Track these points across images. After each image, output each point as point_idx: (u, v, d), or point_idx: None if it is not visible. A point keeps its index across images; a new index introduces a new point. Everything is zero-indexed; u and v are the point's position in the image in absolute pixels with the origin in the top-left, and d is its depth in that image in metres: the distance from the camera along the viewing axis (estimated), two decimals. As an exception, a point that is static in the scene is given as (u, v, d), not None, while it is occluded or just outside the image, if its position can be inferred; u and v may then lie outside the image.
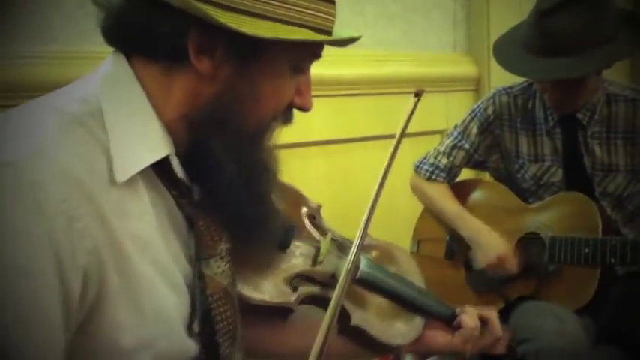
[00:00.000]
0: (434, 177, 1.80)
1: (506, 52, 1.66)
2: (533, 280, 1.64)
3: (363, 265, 1.06)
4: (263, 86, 0.81)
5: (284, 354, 1.08)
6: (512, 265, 1.64)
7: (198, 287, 0.83)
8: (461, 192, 1.81)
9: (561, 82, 1.57)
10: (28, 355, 0.68)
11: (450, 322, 1.14)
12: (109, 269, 0.72)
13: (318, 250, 1.02)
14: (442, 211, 1.76)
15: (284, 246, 0.98)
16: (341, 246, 1.07)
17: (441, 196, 1.78)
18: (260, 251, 0.93)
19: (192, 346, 0.81)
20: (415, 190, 1.86)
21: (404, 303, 1.11)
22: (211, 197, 0.84)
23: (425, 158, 1.85)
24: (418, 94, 1.04)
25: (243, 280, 0.93)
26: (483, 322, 1.14)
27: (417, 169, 1.85)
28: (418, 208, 1.88)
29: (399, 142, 0.99)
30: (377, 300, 1.09)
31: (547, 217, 1.67)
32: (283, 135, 0.91)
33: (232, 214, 0.84)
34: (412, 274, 1.17)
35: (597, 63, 1.53)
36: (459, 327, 1.12)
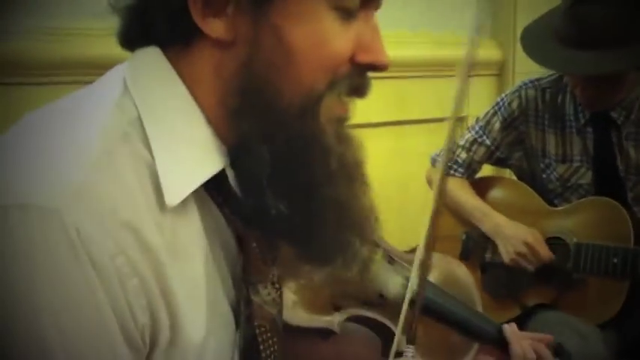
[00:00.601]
0: (451, 172, 1.73)
1: (535, 42, 1.57)
2: (554, 288, 1.60)
3: (428, 292, 0.98)
4: (297, 38, 0.64)
5: None
6: (546, 251, 1.56)
7: (244, 315, 0.72)
8: (480, 190, 1.76)
9: (595, 79, 1.48)
10: None
11: (502, 346, 1.06)
12: (162, 324, 0.62)
13: (367, 266, 0.94)
14: (460, 204, 1.70)
15: (327, 261, 0.89)
16: (393, 261, 1.01)
17: (460, 190, 1.71)
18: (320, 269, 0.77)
19: None
20: (431, 183, 1.78)
21: (463, 332, 1.04)
22: (256, 206, 0.68)
23: (442, 149, 1.74)
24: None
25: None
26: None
27: (434, 161, 1.78)
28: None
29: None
30: (431, 329, 1.02)
31: (573, 222, 1.62)
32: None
33: (282, 227, 0.69)
34: (471, 296, 1.12)
35: (636, 59, 1.43)
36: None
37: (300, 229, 0.70)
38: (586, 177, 1.63)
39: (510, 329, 1.06)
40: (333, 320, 0.97)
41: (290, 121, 0.66)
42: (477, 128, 1.74)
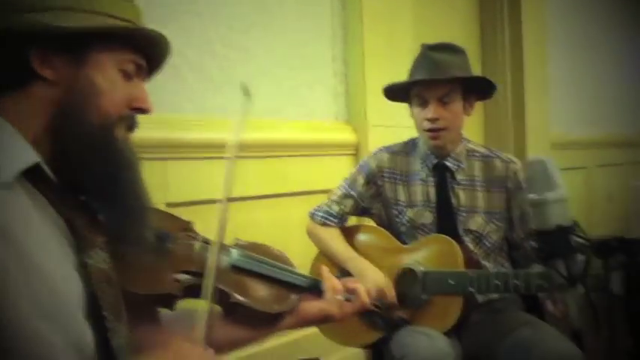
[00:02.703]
0: (327, 222, 2.03)
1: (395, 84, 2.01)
2: (409, 309, 1.85)
3: (235, 254, 1.23)
4: (98, 83, 0.97)
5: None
6: (391, 296, 1.85)
7: (83, 275, 0.92)
8: (349, 235, 2.03)
9: (440, 99, 1.91)
10: None
11: (319, 293, 1.33)
12: (12, 270, 0.81)
13: (191, 247, 1.20)
14: (334, 252, 1.98)
15: (163, 248, 1.13)
16: (208, 242, 1.23)
17: (333, 238, 2.00)
18: (123, 222, 1.01)
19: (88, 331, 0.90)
20: (310, 234, 2.06)
21: (277, 282, 1.28)
22: (76, 181, 0.96)
23: (319, 206, 2.08)
24: (246, 93, 1.24)
25: (132, 279, 1.06)
26: (351, 291, 1.36)
27: (312, 216, 2.07)
28: (312, 253, 2.07)
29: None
30: (254, 285, 1.25)
31: (420, 255, 1.91)
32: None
33: (96, 191, 0.98)
34: (280, 259, 1.34)
35: (461, 73, 1.93)
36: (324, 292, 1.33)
37: (108, 206, 0.98)
38: (428, 218, 1.97)
39: (322, 268, 1.36)
40: (175, 288, 1.13)
41: (93, 132, 0.96)
42: (345, 185, 2.05)
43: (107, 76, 0.99)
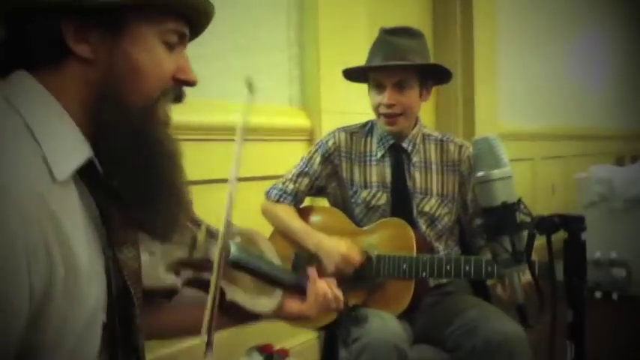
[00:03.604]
0: (282, 200, 2.03)
1: (352, 68, 2.00)
2: (363, 291, 1.87)
3: (233, 250, 1.22)
4: (140, 60, 0.88)
5: (166, 330, 1.20)
6: (357, 259, 1.85)
7: (114, 269, 0.90)
8: (304, 216, 2.03)
9: (395, 86, 1.92)
10: None
11: (303, 293, 1.35)
12: (57, 262, 0.78)
13: (194, 239, 1.17)
14: (289, 228, 1.97)
15: (164, 236, 1.05)
16: (214, 235, 1.20)
17: (288, 215, 1.99)
18: (156, 217, 0.94)
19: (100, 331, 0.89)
20: (265, 212, 2.05)
21: (266, 279, 1.29)
22: (108, 162, 0.89)
23: (274, 185, 2.07)
24: (250, 87, 1.19)
25: None
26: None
27: (267, 194, 2.06)
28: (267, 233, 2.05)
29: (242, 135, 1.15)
30: (244, 278, 1.25)
31: (374, 238, 1.92)
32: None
33: (126, 172, 0.89)
34: (269, 253, 1.35)
35: (419, 60, 1.93)
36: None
37: (143, 200, 0.90)
38: (382, 199, 1.98)
39: (310, 271, 1.37)
40: (175, 281, 1.10)
41: (134, 115, 0.88)
42: (301, 164, 2.04)
43: (148, 51, 0.89)
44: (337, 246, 1.88)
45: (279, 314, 1.32)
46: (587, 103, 6.72)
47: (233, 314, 1.21)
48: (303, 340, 2.82)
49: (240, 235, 1.33)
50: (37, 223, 0.76)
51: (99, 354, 0.88)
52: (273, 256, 1.36)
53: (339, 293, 1.42)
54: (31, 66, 0.86)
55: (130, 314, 0.93)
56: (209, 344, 1.01)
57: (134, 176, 0.89)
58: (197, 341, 1.03)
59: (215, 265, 1.05)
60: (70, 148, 0.85)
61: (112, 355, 0.91)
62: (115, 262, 0.91)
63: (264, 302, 1.27)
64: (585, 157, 6.15)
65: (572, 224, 1.12)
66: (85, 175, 0.88)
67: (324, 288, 1.39)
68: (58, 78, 0.86)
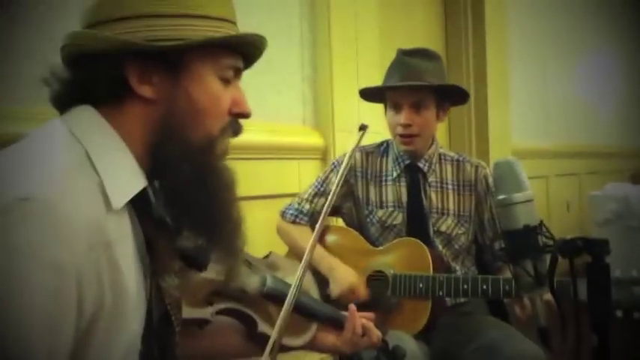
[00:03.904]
0: (298, 220, 2.03)
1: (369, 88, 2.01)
2: (379, 311, 1.80)
3: (269, 282, 1.21)
4: (200, 98, 0.92)
5: (196, 357, 1.20)
6: (362, 294, 1.86)
7: (157, 297, 0.92)
8: (320, 236, 1.98)
9: (412, 106, 1.92)
10: None
11: (339, 327, 1.33)
12: (106, 289, 0.81)
13: (229, 269, 1.14)
14: (304, 250, 1.95)
15: (201, 266, 1.06)
16: (250, 265, 1.22)
17: (304, 236, 1.99)
18: (222, 243, 0.98)
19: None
20: (280, 232, 2.06)
21: (302, 313, 1.28)
22: (169, 197, 0.93)
23: (290, 205, 2.07)
24: (363, 128, 1.22)
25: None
26: (364, 331, 1.36)
27: (283, 214, 2.06)
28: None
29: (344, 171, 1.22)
30: (279, 310, 1.21)
31: (390, 258, 1.92)
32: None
33: (187, 207, 0.93)
34: (309, 286, 1.35)
35: (436, 81, 1.93)
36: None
37: (204, 229, 0.95)
38: (398, 218, 1.98)
39: (351, 307, 1.35)
40: (207, 312, 1.12)
41: (195, 152, 0.92)
42: (316, 184, 2.05)
43: (207, 89, 0.92)
44: (347, 277, 1.89)
45: (311, 346, 1.32)
46: (601, 120, 6.69)
47: (258, 341, 1.21)
48: (319, 358, 2.79)
49: (280, 267, 1.33)
50: (92, 250, 0.79)
51: None
52: (311, 287, 1.36)
53: (377, 331, 1.40)
54: (94, 103, 0.90)
55: (168, 342, 0.94)
56: None
57: (195, 209, 0.92)
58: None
59: (285, 307, 1.05)
60: (127, 179, 0.88)
61: None
62: (158, 290, 0.93)
63: (298, 336, 1.27)
64: (600, 175, 6.10)
65: (595, 247, 1.10)
66: (135, 204, 0.90)
67: (365, 324, 1.37)
68: (119, 116, 0.90)
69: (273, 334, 1.04)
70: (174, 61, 0.89)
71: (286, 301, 1.05)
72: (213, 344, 1.22)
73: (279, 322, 1.04)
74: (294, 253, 2.01)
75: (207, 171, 0.93)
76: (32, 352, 0.74)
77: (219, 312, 1.16)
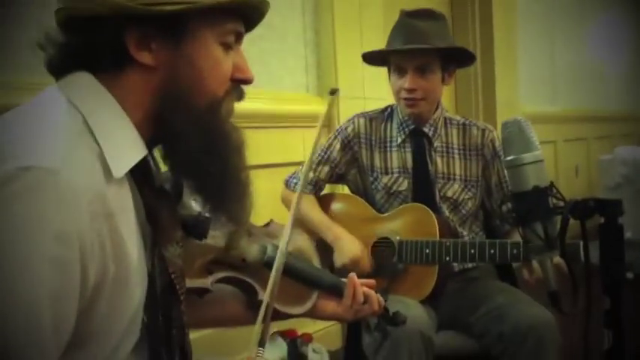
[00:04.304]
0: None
1: (373, 51, 1.96)
2: (385, 278, 1.83)
3: (270, 251, 1.20)
4: (201, 63, 0.90)
5: (197, 325, 1.19)
6: (365, 265, 1.85)
7: (159, 267, 0.91)
8: (324, 204, 2.00)
9: (418, 68, 1.87)
10: (47, 330, 0.74)
11: (340, 295, 1.32)
12: (109, 259, 0.81)
13: (230, 237, 1.15)
14: (309, 219, 1.94)
15: (201, 235, 1.06)
16: (250, 233, 1.20)
17: (309, 205, 1.96)
18: (232, 207, 0.97)
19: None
20: (285, 201, 2.03)
21: (303, 281, 1.28)
22: (177, 164, 0.92)
23: (294, 173, 2.04)
24: (333, 92, 1.21)
25: None
26: (365, 299, 1.34)
27: (287, 183, 2.04)
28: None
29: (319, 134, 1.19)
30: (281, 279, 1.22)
31: (396, 225, 1.90)
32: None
33: (198, 173, 0.92)
34: (308, 253, 1.34)
35: (442, 44, 1.88)
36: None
37: (215, 193, 0.93)
38: (404, 185, 1.95)
39: (351, 275, 1.34)
40: (207, 281, 1.11)
41: (200, 117, 0.90)
42: (320, 152, 2.00)
43: (209, 54, 0.90)
44: (353, 248, 1.86)
45: (311, 314, 1.31)
46: (610, 84, 6.60)
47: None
48: (326, 325, 2.80)
49: (278, 234, 1.29)
50: (95, 220, 0.78)
51: (135, 352, 0.90)
52: (311, 255, 1.35)
53: (380, 297, 1.38)
54: (91, 69, 0.88)
55: (174, 312, 0.94)
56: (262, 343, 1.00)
57: (206, 174, 0.91)
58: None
59: (272, 274, 1.05)
60: (127, 147, 0.87)
61: (152, 353, 0.91)
62: (161, 260, 0.92)
63: (299, 304, 1.27)
64: (608, 139, 6.04)
65: (608, 208, 1.07)
66: (135, 173, 0.89)
67: (366, 291, 1.35)
68: (118, 83, 0.88)
69: (265, 297, 1.04)
70: (173, 26, 0.87)
71: (276, 259, 1.05)
72: (213, 313, 1.22)
73: (269, 286, 1.04)
74: (299, 222, 1.97)
75: (215, 134, 0.92)
76: (39, 323, 0.73)
77: (219, 280, 1.15)
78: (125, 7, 0.84)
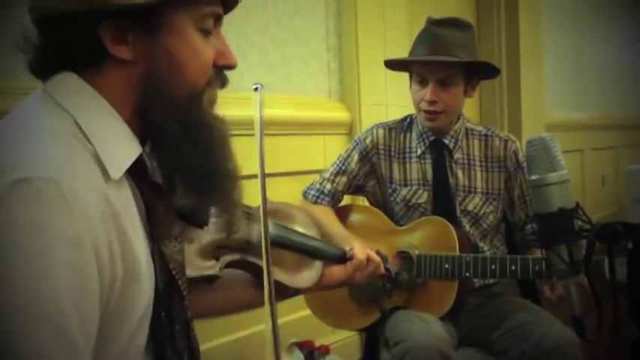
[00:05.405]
0: (319, 201, 1.97)
1: (395, 60, 1.95)
2: (404, 292, 1.80)
3: (270, 228, 1.19)
4: (179, 52, 0.87)
5: (210, 313, 1.20)
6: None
7: (159, 263, 0.90)
8: (342, 215, 1.98)
9: (440, 81, 1.83)
10: (77, 335, 0.73)
11: (343, 261, 1.35)
12: (118, 258, 0.80)
13: (228, 223, 1.13)
14: (325, 231, 1.86)
15: (202, 223, 1.05)
16: (249, 215, 1.20)
17: (325, 217, 1.93)
18: (220, 198, 0.96)
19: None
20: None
21: (306, 253, 1.29)
22: (162, 159, 0.91)
23: (311, 184, 2.01)
24: (257, 89, 1.16)
25: None
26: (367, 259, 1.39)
27: (305, 194, 2.01)
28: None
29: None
30: (283, 254, 1.25)
31: (414, 238, 1.86)
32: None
33: (182, 167, 0.90)
34: (307, 226, 1.35)
35: (466, 57, 1.83)
36: (351, 260, 1.36)
37: (202, 186, 0.92)
38: (423, 197, 1.91)
39: (357, 242, 1.38)
40: (215, 267, 1.11)
41: (182, 108, 0.88)
42: (338, 162, 1.98)
43: (186, 42, 0.88)
44: None
45: (320, 285, 1.32)
46: (639, 90, 6.46)
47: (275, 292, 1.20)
48: (343, 337, 2.77)
49: (277, 211, 1.33)
50: (103, 221, 0.77)
51: (147, 351, 0.90)
52: (310, 228, 1.36)
53: (381, 256, 1.43)
54: (73, 68, 0.86)
55: (177, 308, 0.93)
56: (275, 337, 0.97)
57: (191, 167, 0.90)
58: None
59: (263, 248, 1.00)
60: (122, 147, 0.86)
61: (158, 349, 0.91)
62: (161, 256, 0.91)
63: (305, 276, 1.28)
64: (638, 148, 5.91)
65: (637, 233, 1.02)
66: (132, 170, 0.88)
67: (368, 253, 1.39)
68: (100, 80, 0.86)
69: (264, 266, 0.99)
70: (148, 17, 0.84)
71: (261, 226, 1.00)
72: (225, 297, 1.22)
73: (263, 257, 1.00)
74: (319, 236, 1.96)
75: (199, 127, 0.90)
76: (66, 328, 0.73)
77: (227, 265, 1.15)
78: (96, 2, 0.82)
